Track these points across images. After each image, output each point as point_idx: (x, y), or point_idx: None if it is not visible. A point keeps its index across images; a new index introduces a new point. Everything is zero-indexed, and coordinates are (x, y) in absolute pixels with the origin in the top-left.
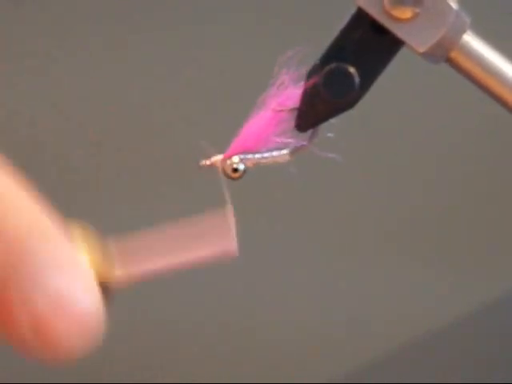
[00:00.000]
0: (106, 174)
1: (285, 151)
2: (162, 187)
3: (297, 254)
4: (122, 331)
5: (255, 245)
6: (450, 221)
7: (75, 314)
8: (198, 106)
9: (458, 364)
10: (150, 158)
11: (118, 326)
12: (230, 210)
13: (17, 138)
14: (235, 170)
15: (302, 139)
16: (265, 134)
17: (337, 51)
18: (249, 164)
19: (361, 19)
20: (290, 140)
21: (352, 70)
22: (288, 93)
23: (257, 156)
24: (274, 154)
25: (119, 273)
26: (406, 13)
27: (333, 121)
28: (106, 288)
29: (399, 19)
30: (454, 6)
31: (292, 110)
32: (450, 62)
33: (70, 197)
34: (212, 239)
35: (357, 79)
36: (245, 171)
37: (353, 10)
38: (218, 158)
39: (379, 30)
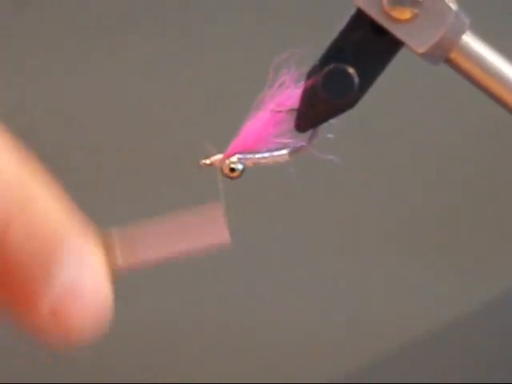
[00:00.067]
0: (106, 174)
1: (284, 151)
2: (161, 187)
3: (297, 254)
4: (122, 331)
5: (255, 245)
6: (449, 221)
7: (91, 300)
8: (198, 105)
9: (458, 364)
10: (149, 157)
11: (118, 326)
12: (221, 202)
13: (17, 137)
14: (234, 170)
15: (301, 140)
16: (264, 134)
17: (336, 52)
18: (248, 164)
19: (360, 20)
20: (289, 140)
21: (351, 70)
22: (288, 93)
23: (256, 156)
24: (274, 154)
25: (120, 262)
26: (405, 13)
27: (332, 121)
28: (111, 272)
29: (398, 20)
30: (453, 6)
31: (291, 110)
32: (449, 62)
33: (70, 197)
34: (206, 228)
35: (356, 80)
36: (243, 171)
37: (352, 11)
38: (217, 157)
39: (378, 31)
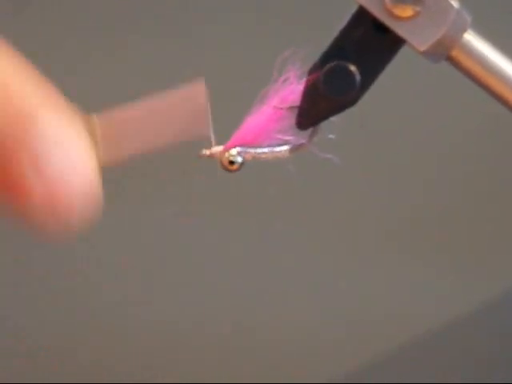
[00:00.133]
0: (106, 174)
1: (284, 148)
2: (163, 180)
3: (297, 254)
4: (122, 331)
5: (255, 245)
6: (450, 220)
7: (81, 183)
8: None
9: (458, 364)
10: (150, 156)
11: (118, 326)
12: (202, 86)
13: None
14: (233, 163)
15: (302, 137)
16: (265, 130)
17: (338, 49)
18: (247, 158)
19: (362, 18)
20: (290, 137)
21: (353, 68)
22: (291, 89)
23: (256, 150)
24: (274, 149)
25: (103, 157)
26: (406, 11)
27: (333, 119)
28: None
29: (400, 17)
30: (455, 4)
31: (293, 107)
32: (450, 60)
33: None
34: (187, 116)
35: (357, 77)
36: (243, 164)
37: (353, 10)
38: (217, 149)
39: (380, 29)
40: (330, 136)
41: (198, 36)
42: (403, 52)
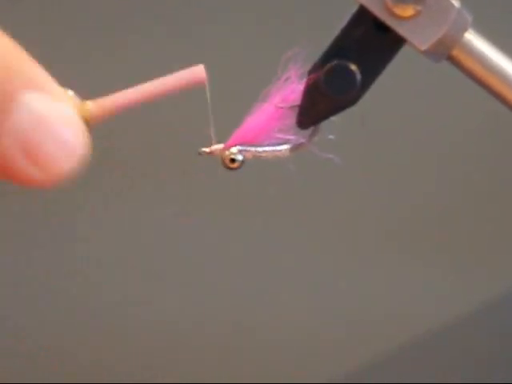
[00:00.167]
0: (106, 174)
1: (285, 147)
2: (162, 179)
3: (297, 254)
4: (122, 331)
5: (255, 245)
6: (450, 220)
7: (61, 134)
8: (198, 106)
9: (458, 364)
10: (150, 156)
11: (118, 326)
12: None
13: None
14: (234, 161)
15: (302, 136)
16: (266, 128)
17: (338, 49)
18: (248, 156)
19: (362, 17)
20: (290, 136)
21: (353, 67)
22: (292, 89)
23: (257, 149)
24: (274, 148)
25: (93, 107)
26: (407, 10)
27: (333, 119)
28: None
29: (401, 17)
30: (456, 3)
31: (294, 106)
32: (451, 60)
33: (70, 196)
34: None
35: (358, 77)
36: (243, 162)
37: (354, 9)
38: (217, 147)
39: (381, 28)
40: (330, 136)
41: (197, 36)
42: (404, 51)
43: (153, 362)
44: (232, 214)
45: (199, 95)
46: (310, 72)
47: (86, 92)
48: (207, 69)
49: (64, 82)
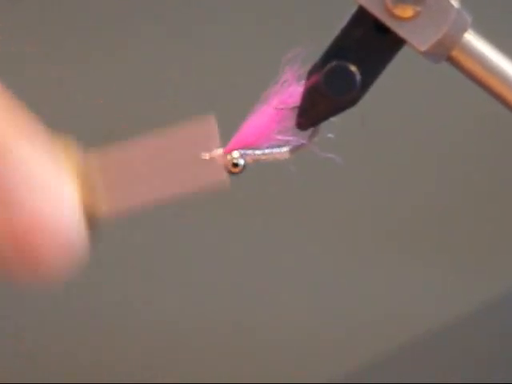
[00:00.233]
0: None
1: (285, 149)
2: None
3: (297, 254)
4: (122, 331)
5: (255, 245)
6: (450, 220)
7: (55, 231)
8: (198, 106)
9: (458, 364)
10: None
11: (118, 326)
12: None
13: None
14: (235, 165)
15: (302, 137)
16: (266, 131)
17: (338, 50)
18: (249, 159)
19: (362, 18)
20: (290, 138)
21: (353, 68)
22: (290, 90)
23: (257, 152)
24: (274, 151)
25: (105, 205)
26: (407, 11)
27: (333, 119)
28: (91, 217)
29: (401, 18)
30: (456, 4)
31: (293, 108)
32: (451, 60)
33: None
34: (200, 166)
35: (358, 77)
36: (244, 166)
37: (353, 10)
38: (218, 152)
39: (381, 29)
40: (330, 136)
41: (198, 36)
42: (404, 52)
43: (153, 362)
44: (232, 214)
45: (199, 97)
46: (310, 73)
47: (86, 92)
48: (207, 69)
49: (64, 81)
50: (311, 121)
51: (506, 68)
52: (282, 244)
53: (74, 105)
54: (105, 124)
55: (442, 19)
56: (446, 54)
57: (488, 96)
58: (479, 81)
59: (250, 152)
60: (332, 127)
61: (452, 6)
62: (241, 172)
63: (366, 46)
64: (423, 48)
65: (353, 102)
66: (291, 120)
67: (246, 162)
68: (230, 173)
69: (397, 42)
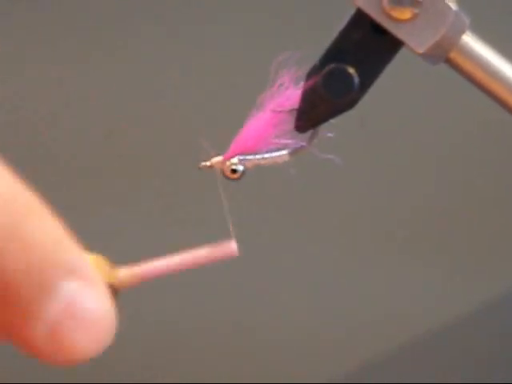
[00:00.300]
0: (106, 174)
1: (284, 152)
2: (161, 188)
3: (297, 254)
4: (122, 331)
5: (255, 245)
6: (450, 221)
7: (89, 321)
8: (198, 106)
9: (458, 364)
10: (149, 159)
11: (118, 326)
12: (227, 210)
13: (16, 137)
14: (235, 171)
15: (301, 140)
16: (264, 135)
17: (336, 52)
18: (248, 165)
19: (360, 20)
20: (289, 141)
21: (351, 70)
22: (288, 93)
23: (256, 157)
24: (274, 154)
25: (123, 275)
26: (405, 13)
27: (333, 121)
28: (111, 290)
29: (398, 20)
30: (454, 6)
31: (291, 110)
32: (449, 62)
33: (70, 197)
34: (214, 247)
35: (356, 80)
36: (244, 172)
37: (351, 12)
38: (217, 159)
39: (378, 31)
40: (330, 136)
41: (198, 36)
42: (402, 54)
43: (153, 362)
44: (232, 213)
45: (199, 96)
46: (308, 75)
47: (86, 92)
48: (207, 69)
49: (64, 82)
50: (310, 123)
51: (504, 70)
52: (282, 244)
53: (74, 105)
54: (105, 124)
55: (440, 21)
56: (444, 55)
57: (486, 97)
58: (478, 83)
59: (249, 157)
60: (331, 129)
61: (450, 7)
62: (240, 178)
63: (364, 48)
64: (421, 50)
65: (351, 104)
66: (290, 123)
67: (245, 167)
68: (230, 179)
69: (395, 44)
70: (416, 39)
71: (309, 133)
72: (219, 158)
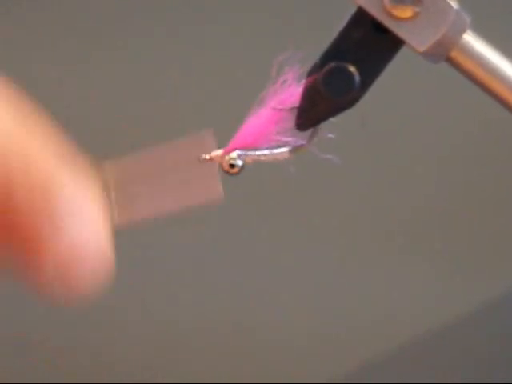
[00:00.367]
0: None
1: (284, 149)
2: None
3: (297, 254)
4: (122, 331)
5: (255, 245)
6: (450, 220)
7: (95, 258)
8: (198, 106)
9: (458, 364)
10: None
11: (118, 326)
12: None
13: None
14: (233, 166)
15: (301, 138)
16: (265, 132)
17: (337, 50)
18: (248, 160)
19: (361, 18)
20: (289, 139)
21: (352, 68)
22: (290, 91)
23: (256, 153)
24: (274, 151)
25: (118, 219)
26: (406, 12)
27: (333, 120)
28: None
29: (399, 18)
30: (454, 5)
31: (292, 108)
32: (449, 61)
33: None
34: (199, 183)
35: (357, 78)
36: (243, 167)
37: (352, 10)
38: (217, 152)
39: (379, 29)
40: (330, 136)
41: (198, 36)
42: (403, 53)
43: (153, 362)
44: (232, 213)
45: (199, 95)
46: (309, 74)
47: (86, 92)
48: (207, 69)
49: (64, 82)
50: (310, 121)
51: (505, 69)
52: (282, 244)
53: (74, 105)
54: (105, 124)
55: (441, 20)
56: (445, 54)
57: (487, 97)
58: (478, 81)
59: (249, 153)
60: (331, 127)
61: (451, 6)
62: (239, 173)
63: (365, 47)
64: (422, 48)
65: (352, 102)
66: (291, 121)
67: (244, 162)
68: (229, 174)
69: (396, 43)
70: (417, 38)
71: (309, 131)
72: (219, 152)
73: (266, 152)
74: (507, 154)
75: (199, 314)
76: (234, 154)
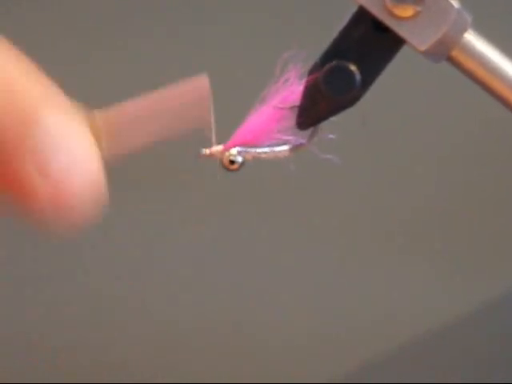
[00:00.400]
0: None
1: (284, 148)
2: (162, 178)
3: (297, 254)
4: (122, 331)
5: (255, 245)
6: (450, 220)
7: (86, 182)
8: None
9: (458, 364)
10: (149, 155)
11: (118, 326)
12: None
13: None
14: (233, 162)
15: (302, 137)
16: (266, 129)
17: (338, 49)
18: (247, 157)
19: (362, 17)
20: (290, 137)
21: (353, 67)
22: (291, 90)
23: (256, 150)
24: (274, 149)
25: (108, 152)
26: (407, 11)
27: (333, 119)
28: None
29: (400, 17)
30: (456, 4)
31: (293, 107)
32: (451, 60)
33: None
34: (191, 109)
35: (358, 77)
36: (243, 164)
37: (353, 9)
38: (217, 148)
39: (380, 28)
40: (330, 136)
41: (198, 36)
42: (404, 52)
43: (153, 362)
44: (232, 213)
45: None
46: (310, 72)
47: (86, 92)
48: (207, 69)
49: (64, 82)
50: (311, 120)
51: (506, 68)
52: (282, 244)
53: (75, 101)
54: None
55: (442, 19)
56: (446, 53)
57: (488, 96)
58: (479, 81)
59: (249, 150)
60: (332, 127)
61: (452, 5)
62: (238, 169)
63: (366, 46)
64: (423, 48)
65: (353, 101)
66: (291, 119)
67: (244, 159)
68: (229, 170)
69: (397, 42)
70: (418, 37)
71: (310, 130)
72: (219, 148)
73: (267, 150)
74: (507, 154)
75: (199, 314)
76: (234, 151)
